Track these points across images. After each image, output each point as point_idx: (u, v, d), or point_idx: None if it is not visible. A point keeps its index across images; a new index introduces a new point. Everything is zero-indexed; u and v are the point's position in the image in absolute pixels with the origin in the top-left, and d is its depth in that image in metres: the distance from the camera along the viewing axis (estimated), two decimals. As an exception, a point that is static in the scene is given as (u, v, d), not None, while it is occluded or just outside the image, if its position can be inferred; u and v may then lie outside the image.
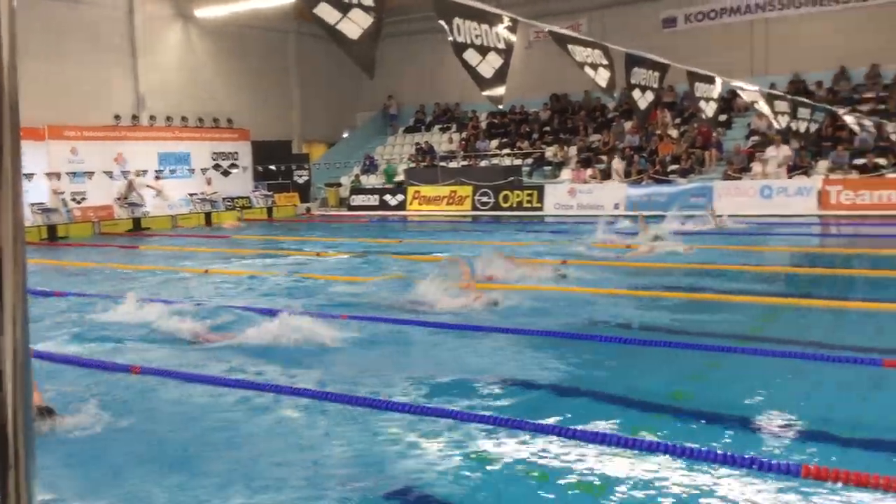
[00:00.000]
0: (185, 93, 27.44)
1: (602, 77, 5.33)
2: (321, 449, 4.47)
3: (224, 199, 25.39)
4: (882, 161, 20.67)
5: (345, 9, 3.55)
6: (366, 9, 3.66)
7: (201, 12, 27.60)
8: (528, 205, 23.82)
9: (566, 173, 25.61)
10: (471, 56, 4.43)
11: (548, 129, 28.74)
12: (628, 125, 26.07)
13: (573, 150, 26.76)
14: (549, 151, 27.16)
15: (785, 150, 21.52)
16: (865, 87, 24.07)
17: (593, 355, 6.42)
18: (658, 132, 25.32)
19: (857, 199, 19.55)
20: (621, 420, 4.82)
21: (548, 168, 26.72)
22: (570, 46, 5.12)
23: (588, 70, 5.24)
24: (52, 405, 4.82)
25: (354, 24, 3.59)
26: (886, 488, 3.71)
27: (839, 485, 3.79)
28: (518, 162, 27.34)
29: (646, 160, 24.21)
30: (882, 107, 22.69)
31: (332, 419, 4.94)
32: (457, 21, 4.38)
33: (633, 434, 4.49)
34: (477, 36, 4.50)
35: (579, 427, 4.63)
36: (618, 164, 23.48)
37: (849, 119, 12.67)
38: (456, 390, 5.49)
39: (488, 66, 4.48)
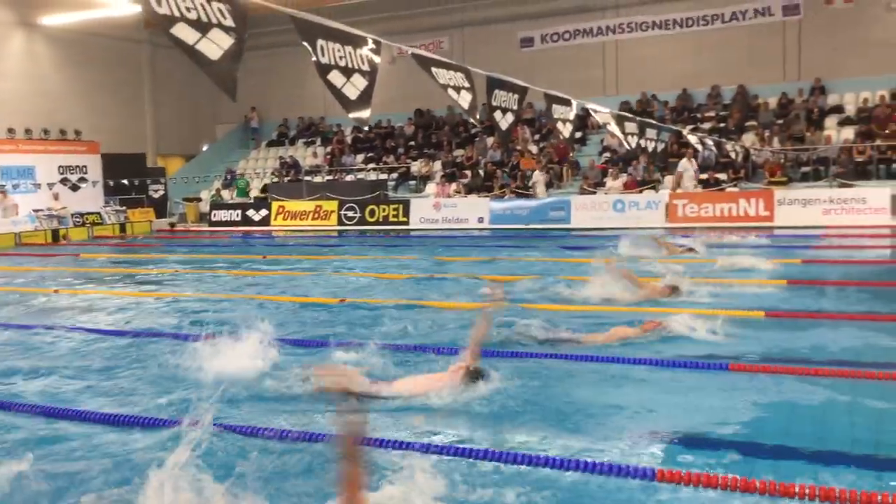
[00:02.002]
0: (28, 103, 25.77)
1: (464, 99, 5.46)
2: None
3: (73, 214, 23.94)
4: (723, 176, 22.21)
5: (204, 29, 3.46)
6: (226, 29, 3.58)
7: (47, 20, 26.01)
8: (395, 219, 23.92)
9: (431, 188, 25.95)
10: (335, 77, 4.43)
11: (413, 143, 29.02)
12: (491, 141, 26.74)
13: (438, 165, 27.15)
14: (415, 166, 27.43)
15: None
16: (707, 107, 25.85)
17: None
18: (519, 148, 26.12)
19: (702, 212, 20.88)
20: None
21: (413, 182, 26.97)
22: (433, 69, 5.20)
23: (451, 92, 5.35)
24: None
25: (214, 45, 3.50)
26: (741, 489, 3.93)
27: (697, 487, 3.97)
28: (384, 176, 27.44)
29: (508, 175, 24.91)
30: (722, 125, 24.45)
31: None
32: (320, 42, 4.36)
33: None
34: (341, 57, 4.50)
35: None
36: (539, 177, 23.97)
37: (692, 138, 13.55)
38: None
39: (353, 87, 4.49)
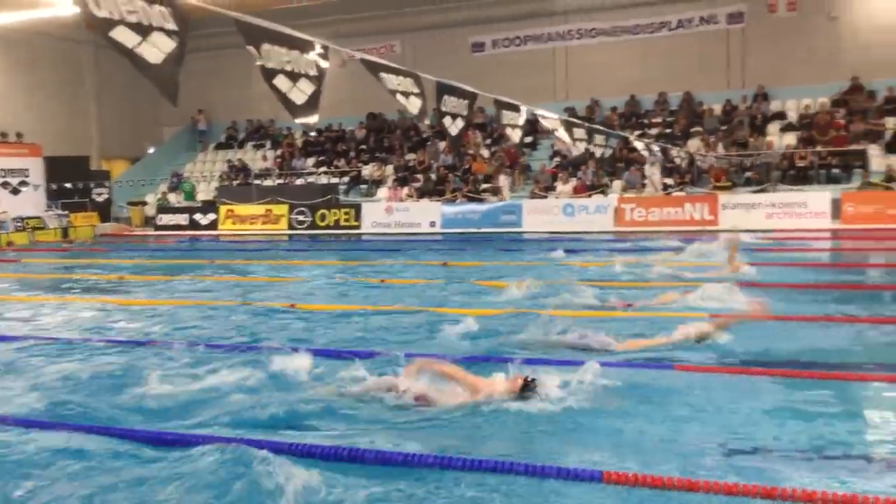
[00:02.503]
0: (-35, 104, 24.98)
1: (413, 105, 5.44)
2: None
3: (14, 219, 23.24)
4: (669, 181, 22.60)
5: (145, 32, 3.38)
6: (168, 32, 3.50)
7: (-15, 18, 25.22)
8: (346, 223, 23.78)
9: (383, 192, 25.86)
10: (281, 82, 4.36)
11: (364, 147, 28.89)
12: (443, 145, 26.77)
13: (390, 169, 27.08)
14: (366, 170, 27.32)
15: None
16: (654, 113, 26.29)
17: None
18: (471, 152, 26.21)
19: (649, 215, 21.22)
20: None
21: (365, 186, 26.86)
22: (382, 74, 5.18)
23: (399, 98, 5.32)
24: None
25: (155, 49, 3.42)
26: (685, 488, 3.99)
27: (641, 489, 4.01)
28: (335, 180, 27.27)
29: (460, 179, 24.96)
30: (669, 131, 24.89)
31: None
32: (266, 47, 4.29)
33: None
34: (287, 62, 4.44)
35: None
36: (504, 182, 23.99)
37: (639, 144, 13.76)
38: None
39: (300, 92, 4.43)
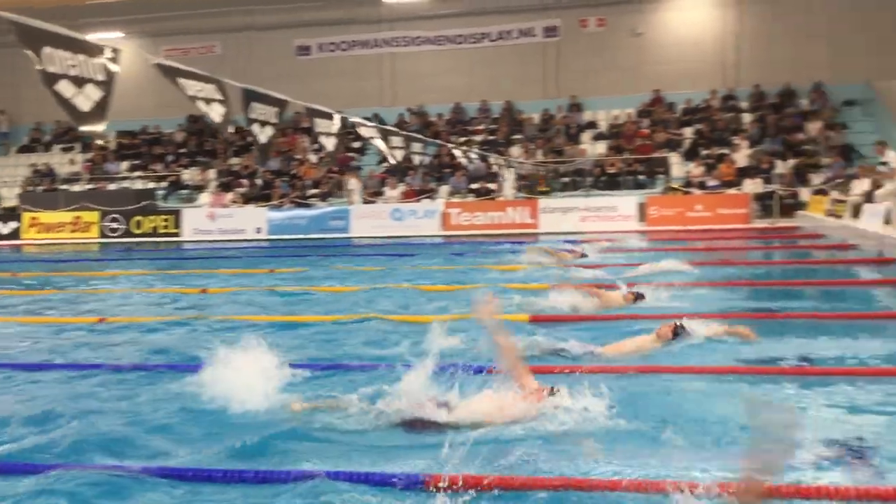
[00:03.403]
0: None
1: (216, 112, 5.29)
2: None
3: None
4: (493, 186, 23.39)
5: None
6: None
7: None
8: (165, 230, 22.71)
9: (205, 197, 24.93)
10: (65, 88, 4.10)
11: (184, 151, 27.74)
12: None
13: (212, 174, 26.16)
14: (187, 174, 26.23)
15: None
16: (478, 120, 27.12)
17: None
18: (298, 157, 25.84)
19: (474, 219, 21.84)
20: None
21: (185, 192, 25.78)
22: (180, 80, 4.99)
23: (200, 104, 5.16)
24: None
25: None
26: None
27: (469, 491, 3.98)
28: (152, 185, 25.98)
29: (287, 184, 24.53)
30: (492, 138, 25.77)
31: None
32: (47, 50, 4.02)
33: None
34: (72, 66, 4.18)
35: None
36: (355, 185, 23.42)
37: (457, 153, 14.14)
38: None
39: (86, 98, 4.18)
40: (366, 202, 23.18)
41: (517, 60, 26.98)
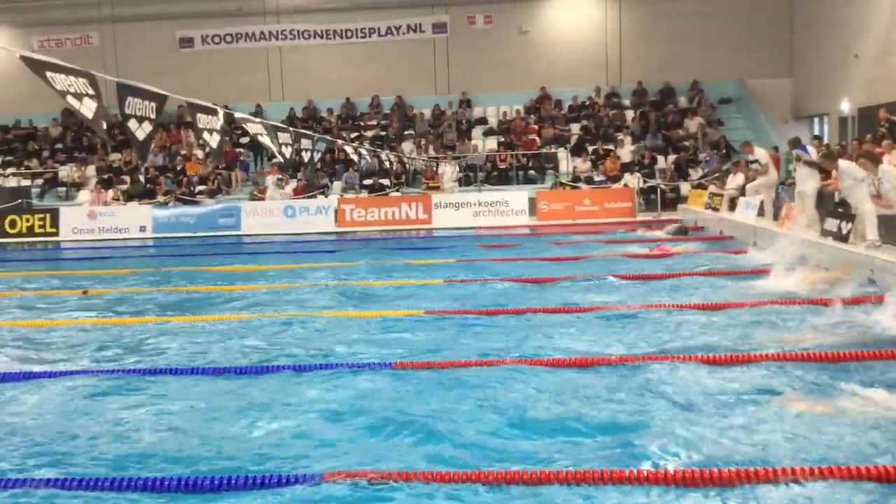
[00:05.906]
0: None
1: (88, 107, 5.06)
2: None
3: None
4: (386, 182, 23.35)
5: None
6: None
7: None
8: (41, 230, 21.58)
9: (85, 195, 23.79)
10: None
11: (60, 146, 26.37)
12: (152, 145, 25.22)
13: (92, 170, 24.99)
14: (64, 171, 24.97)
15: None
16: (370, 115, 26.99)
17: None
18: (183, 152, 25.02)
19: (368, 215, 21.74)
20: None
21: (63, 189, 24.53)
22: (48, 74, 4.75)
23: (70, 100, 4.93)
24: None
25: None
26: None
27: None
28: (26, 182, 24.60)
29: (172, 181, 23.71)
30: (384, 133, 25.71)
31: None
32: None
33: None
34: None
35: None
36: (270, 181, 22.54)
37: (348, 149, 14.05)
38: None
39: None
40: (255, 199, 22.64)
41: (408, 56, 27.00)
